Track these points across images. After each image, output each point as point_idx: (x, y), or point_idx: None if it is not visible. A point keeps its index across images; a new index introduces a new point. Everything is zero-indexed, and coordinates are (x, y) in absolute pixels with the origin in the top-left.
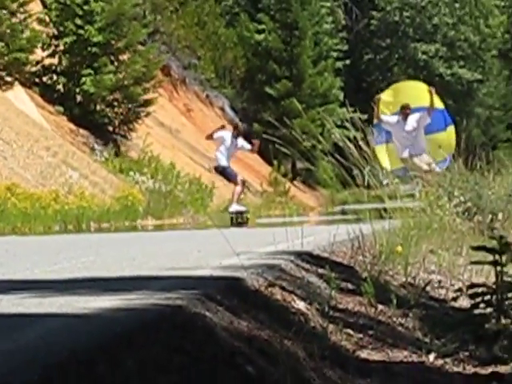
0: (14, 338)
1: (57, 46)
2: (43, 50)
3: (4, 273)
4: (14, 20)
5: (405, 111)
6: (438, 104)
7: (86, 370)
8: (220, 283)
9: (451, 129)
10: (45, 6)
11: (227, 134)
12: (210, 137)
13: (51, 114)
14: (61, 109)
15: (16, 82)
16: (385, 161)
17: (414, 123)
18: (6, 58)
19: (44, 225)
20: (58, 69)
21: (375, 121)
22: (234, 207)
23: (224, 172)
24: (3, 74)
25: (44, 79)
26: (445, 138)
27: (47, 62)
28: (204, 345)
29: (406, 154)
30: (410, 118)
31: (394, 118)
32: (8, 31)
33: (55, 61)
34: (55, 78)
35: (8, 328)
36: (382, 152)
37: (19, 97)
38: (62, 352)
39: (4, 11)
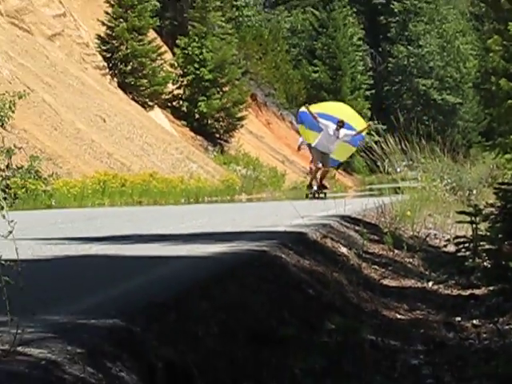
0: (154, 272)
1: (182, 81)
2: (173, 84)
3: (149, 229)
4: (153, 65)
5: (340, 125)
6: (364, 131)
7: (204, 294)
8: (291, 236)
9: (355, 148)
10: (174, 55)
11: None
12: (298, 149)
13: (178, 126)
14: (185, 123)
15: (155, 106)
16: (308, 139)
17: (339, 134)
18: (148, 90)
19: (174, 199)
20: (183, 96)
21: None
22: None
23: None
24: (147, 100)
25: (174, 103)
26: (350, 149)
27: (176, 92)
28: (280, 276)
29: (320, 148)
30: (341, 130)
31: (331, 125)
32: (150, 72)
33: (181, 91)
34: (181, 102)
35: (150, 265)
36: (306, 133)
37: (158, 115)
38: (188, 281)
39: (147, 59)
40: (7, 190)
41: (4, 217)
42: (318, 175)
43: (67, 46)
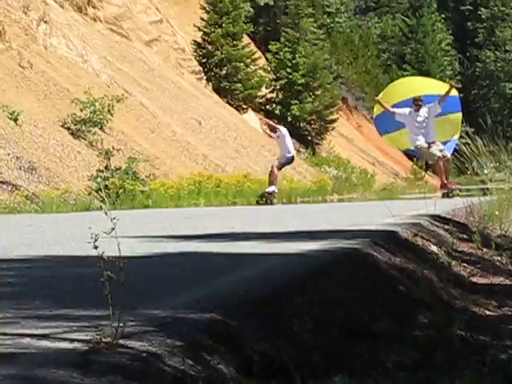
0: (250, 268)
1: (275, 85)
2: (266, 88)
3: (244, 228)
4: (247, 69)
5: (417, 103)
6: (454, 92)
7: (299, 290)
8: (382, 234)
9: (460, 115)
10: (267, 60)
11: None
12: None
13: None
14: None
15: (249, 109)
16: (402, 145)
17: (425, 113)
18: (242, 94)
19: None
20: (276, 100)
21: (377, 113)
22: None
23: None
24: (241, 103)
25: (267, 107)
26: (455, 119)
27: (269, 95)
28: (372, 273)
29: (419, 142)
30: (421, 109)
31: (407, 110)
32: (244, 76)
33: (274, 95)
34: (274, 106)
35: (247, 262)
36: (395, 139)
37: (251, 118)
38: (283, 278)
39: (241, 64)
40: (107, 190)
41: (106, 214)
42: (441, 170)
43: (164, 52)
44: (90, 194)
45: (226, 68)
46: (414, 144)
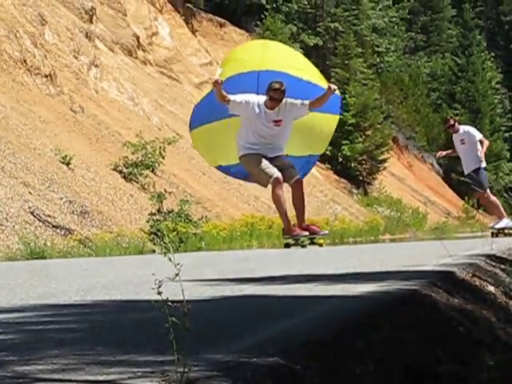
0: (309, 311)
1: None
2: None
3: (300, 270)
4: None
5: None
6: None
7: (359, 331)
8: (439, 275)
9: (338, 118)
10: None
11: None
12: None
13: (323, 170)
14: (329, 166)
15: None
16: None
17: (282, 111)
18: None
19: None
20: None
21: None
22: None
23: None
24: None
25: None
26: (328, 124)
27: None
28: (431, 314)
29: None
30: (280, 104)
31: (253, 99)
32: None
33: None
34: None
35: (305, 304)
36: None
37: None
38: (342, 320)
39: None
40: (159, 234)
41: (170, 260)
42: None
43: None
44: (152, 239)
45: None
46: (243, 152)
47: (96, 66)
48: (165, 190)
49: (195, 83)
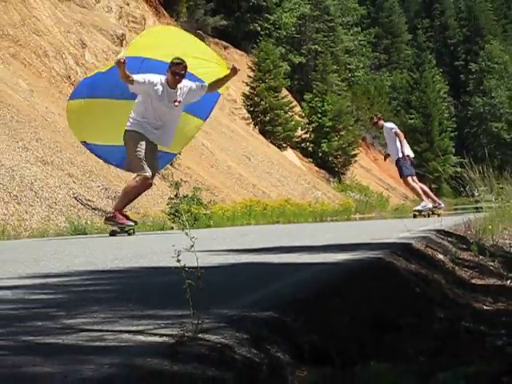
0: (296, 275)
1: (308, 128)
2: (301, 130)
3: (289, 242)
4: (286, 115)
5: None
6: (222, 90)
7: (334, 291)
8: (399, 245)
9: (202, 123)
10: (302, 107)
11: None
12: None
13: (306, 163)
14: (311, 160)
15: (288, 147)
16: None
17: (183, 92)
18: (282, 135)
19: (304, 219)
20: (309, 139)
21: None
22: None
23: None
24: (282, 142)
25: (302, 145)
26: (193, 127)
27: (303, 136)
28: (392, 277)
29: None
30: (182, 84)
31: (154, 78)
32: (284, 121)
33: (307, 135)
34: (308, 144)
35: (293, 270)
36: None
37: (290, 154)
38: (323, 282)
39: (281, 111)
40: (177, 214)
41: (187, 234)
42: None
43: (220, 103)
44: (171, 218)
45: (269, 115)
46: (132, 128)
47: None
48: (181, 180)
49: None
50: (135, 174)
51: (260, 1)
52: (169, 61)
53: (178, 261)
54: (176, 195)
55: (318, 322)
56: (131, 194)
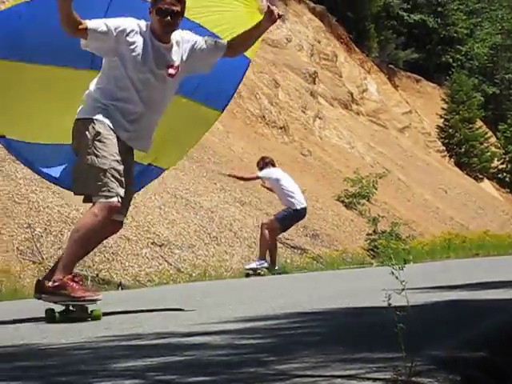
0: (506, 312)
1: (504, 158)
2: (498, 160)
3: (493, 277)
4: (481, 147)
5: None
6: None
7: None
8: None
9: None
10: (497, 138)
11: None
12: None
13: (503, 193)
14: (508, 190)
15: (484, 178)
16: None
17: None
18: (478, 166)
19: (504, 251)
20: (506, 169)
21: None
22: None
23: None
24: (478, 174)
25: (499, 175)
26: (206, 119)
27: (500, 166)
28: None
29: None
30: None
31: (134, 25)
32: (479, 152)
33: (504, 166)
34: (504, 174)
35: (501, 307)
36: None
37: (487, 185)
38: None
39: (477, 142)
40: (376, 250)
41: (397, 278)
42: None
43: (414, 136)
44: (373, 255)
45: (464, 146)
46: (94, 116)
47: (320, 118)
48: (378, 215)
49: (398, 128)
50: (93, 203)
51: (451, 32)
52: None
53: (389, 304)
54: (374, 231)
55: None
56: (85, 241)
